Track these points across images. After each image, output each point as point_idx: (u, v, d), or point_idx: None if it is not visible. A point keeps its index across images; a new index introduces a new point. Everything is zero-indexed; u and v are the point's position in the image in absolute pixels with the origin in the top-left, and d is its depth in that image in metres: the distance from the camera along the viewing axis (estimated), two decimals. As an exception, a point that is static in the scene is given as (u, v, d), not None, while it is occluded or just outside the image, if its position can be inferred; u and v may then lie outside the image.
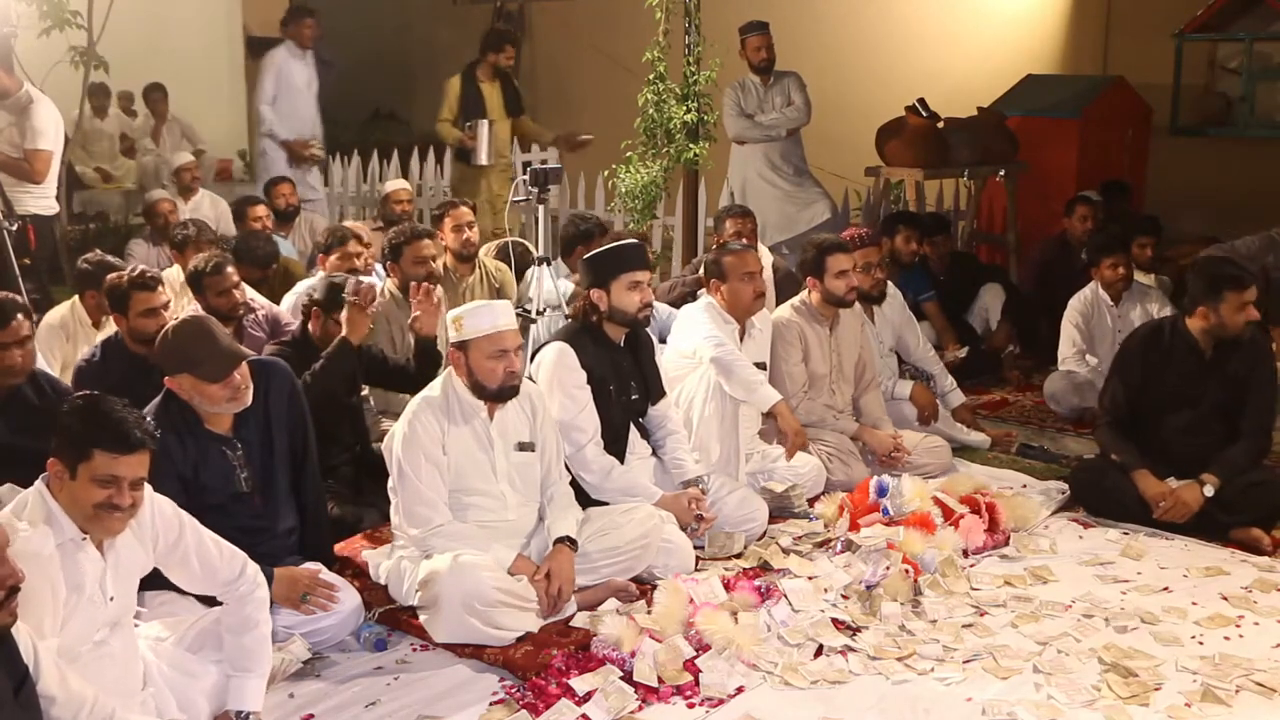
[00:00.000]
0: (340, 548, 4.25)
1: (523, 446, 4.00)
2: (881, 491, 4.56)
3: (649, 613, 3.77)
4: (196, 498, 3.51)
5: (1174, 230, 7.75)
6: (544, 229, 5.40)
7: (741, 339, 4.97)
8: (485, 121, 7.57)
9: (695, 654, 3.60)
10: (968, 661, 3.67)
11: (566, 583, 3.84)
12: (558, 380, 4.28)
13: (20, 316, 4.05)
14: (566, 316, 4.91)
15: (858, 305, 5.46)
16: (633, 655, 3.56)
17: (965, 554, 4.40)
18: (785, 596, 3.89)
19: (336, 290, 4.64)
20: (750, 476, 4.83)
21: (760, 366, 5.04)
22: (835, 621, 3.84)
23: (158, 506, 3.05)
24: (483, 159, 7.77)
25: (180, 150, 9.58)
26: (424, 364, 4.72)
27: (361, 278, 4.94)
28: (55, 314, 5.37)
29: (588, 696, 3.40)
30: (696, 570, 4.17)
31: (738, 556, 4.37)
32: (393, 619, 3.87)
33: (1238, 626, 3.92)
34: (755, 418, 5.06)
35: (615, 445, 4.41)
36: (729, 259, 4.97)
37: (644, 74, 7.64)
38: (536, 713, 3.34)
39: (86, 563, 2.89)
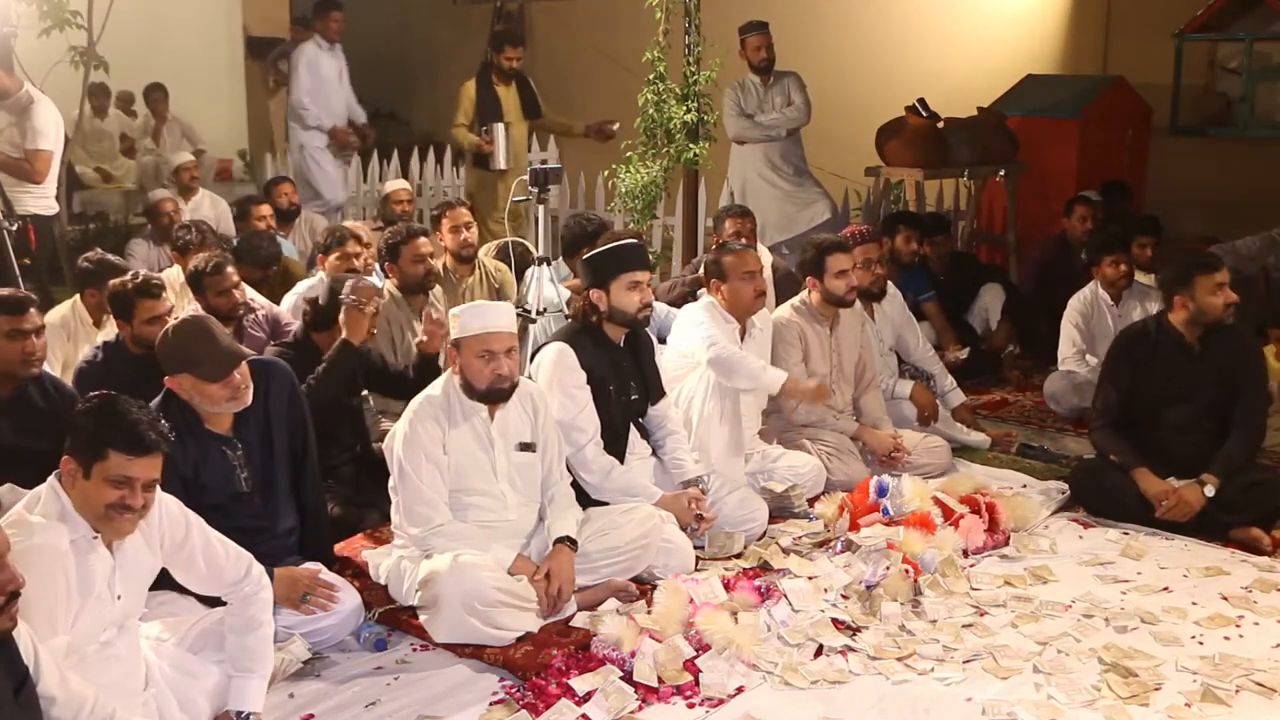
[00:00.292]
0: (340, 548, 4.25)
1: (524, 447, 4.00)
2: (881, 491, 4.56)
3: (649, 613, 3.77)
4: (196, 498, 3.51)
5: (1174, 230, 7.74)
6: (544, 229, 5.40)
7: (742, 339, 4.97)
8: (502, 125, 7.48)
9: (695, 654, 3.61)
10: (968, 661, 3.67)
11: (566, 583, 3.84)
12: (557, 380, 4.28)
13: (33, 308, 4.08)
14: (566, 317, 4.91)
15: (858, 305, 5.46)
16: (633, 655, 3.56)
17: (965, 554, 4.41)
18: (785, 596, 3.89)
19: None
20: (750, 476, 4.83)
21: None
22: (835, 621, 3.84)
23: (165, 506, 3.06)
24: (501, 163, 7.61)
25: (180, 150, 9.58)
26: (423, 375, 4.71)
27: (362, 277, 4.94)
28: (56, 313, 5.37)
29: (588, 696, 3.40)
30: (696, 570, 4.17)
31: (738, 556, 4.37)
32: (393, 619, 3.87)
33: (1238, 626, 3.92)
34: (755, 418, 5.06)
35: (615, 445, 4.41)
36: (729, 259, 4.96)
37: (644, 74, 7.64)
38: (536, 713, 3.35)
39: (97, 562, 2.90)
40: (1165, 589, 4.19)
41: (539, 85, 8.62)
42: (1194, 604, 4.07)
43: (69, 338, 5.32)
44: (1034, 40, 10.07)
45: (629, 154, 7.70)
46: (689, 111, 7.56)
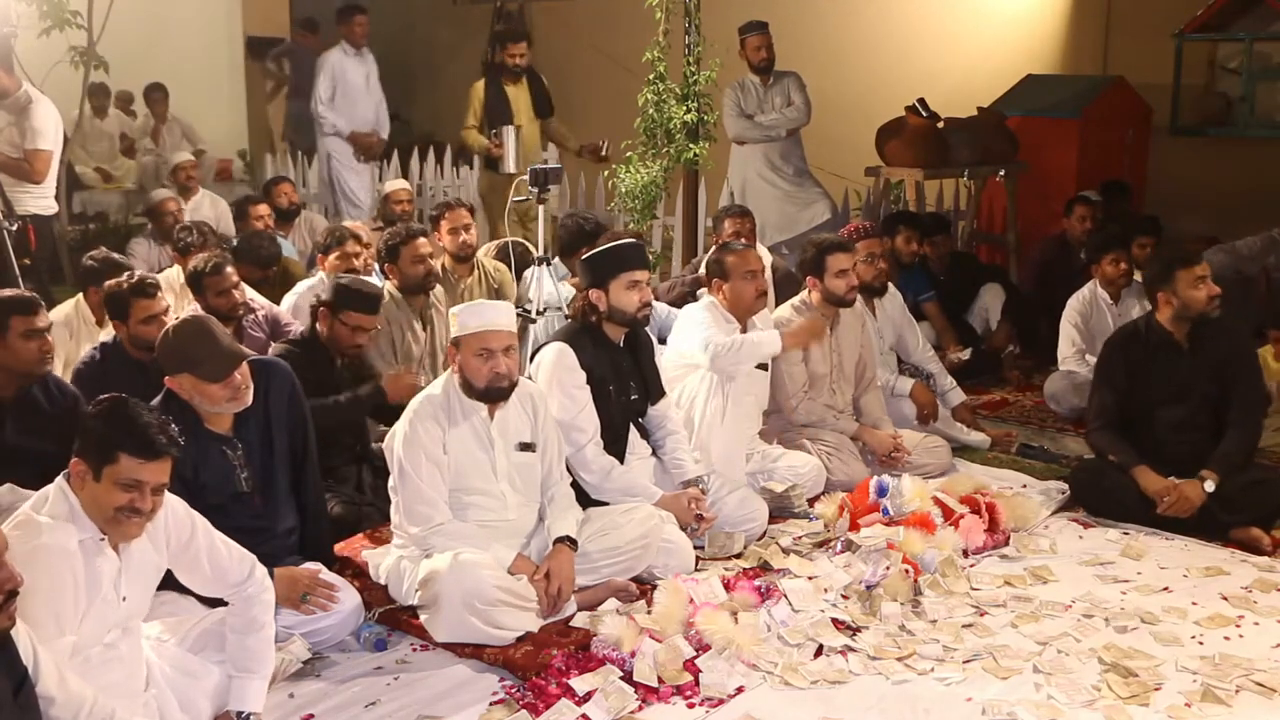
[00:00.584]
0: (340, 548, 4.25)
1: (524, 447, 4.00)
2: (881, 491, 4.56)
3: (649, 613, 3.77)
4: (196, 497, 3.50)
5: (1174, 230, 7.75)
6: (543, 229, 5.40)
7: (742, 339, 4.97)
8: (512, 128, 7.36)
9: (695, 654, 3.60)
10: (968, 661, 3.67)
11: (566, 582, 3.84)
12: (557, 380, 4.28)
13: (42, 308, 4.11)
14: (566, 317, 4.91)
15: (859, 304, 5.46)
16: (633, 655, 3.56)
17: (965, 554, 4.41)
18: (785, 596, 3.89)
19: (344, 291, 4.64)
20: (750, 476, 4.83)
21: (761, 367, 5.05)
22: (835, 621, 3.84)
23: (171, 507, 3.06)
24: (510, 166, 7.37)
25: (180, 150, 9.58)
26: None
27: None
28: (59, 312, 5.38)
29: (588, 696, 3.40)
30: (696, 570, 4.17)
31: (738, 556, 4.37)
32: (393, 619, 3.87)
33: (1238, 626, 3.92)
34: (756, 418, 5.06)
35: (615, 445, 4.41)
36: (731, 258, 4.97)
37: (644, 74, 7.64)
38: (536, 713, 3.35)
39: (104, 563, 2.91)
40: (1165, 589, 4.19)
41: (541, 85, 8.60)
42: (1194, 604, 4.07)
43: (71, 336, 5.33)
44: (1034, 40, 10.07)
45: (629, 154, 7.70)
46: (689, 111, 7.57)
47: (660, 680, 3.50)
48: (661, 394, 4.60)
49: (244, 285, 5.26)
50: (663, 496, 4.33)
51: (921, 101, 7.72)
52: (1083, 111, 8.52)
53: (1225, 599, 4.11)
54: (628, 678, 3.50)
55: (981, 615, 3.98)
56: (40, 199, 6.45)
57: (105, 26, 8.21)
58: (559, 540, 3.91)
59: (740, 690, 3.51)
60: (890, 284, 5.98)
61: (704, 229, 8.27)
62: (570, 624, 3.81)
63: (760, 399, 5.10)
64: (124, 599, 2.96)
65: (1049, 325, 6.55)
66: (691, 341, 4.79)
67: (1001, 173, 8.25)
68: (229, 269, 5.06)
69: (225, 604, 3.25)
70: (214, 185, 9.78)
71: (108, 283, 4.62)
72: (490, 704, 3.43)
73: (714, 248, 5.46)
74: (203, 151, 10.41)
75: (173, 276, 5.79)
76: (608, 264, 4.39)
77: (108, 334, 4.87)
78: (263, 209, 7.06)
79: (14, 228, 5.91)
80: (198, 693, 3.13)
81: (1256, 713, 3.41)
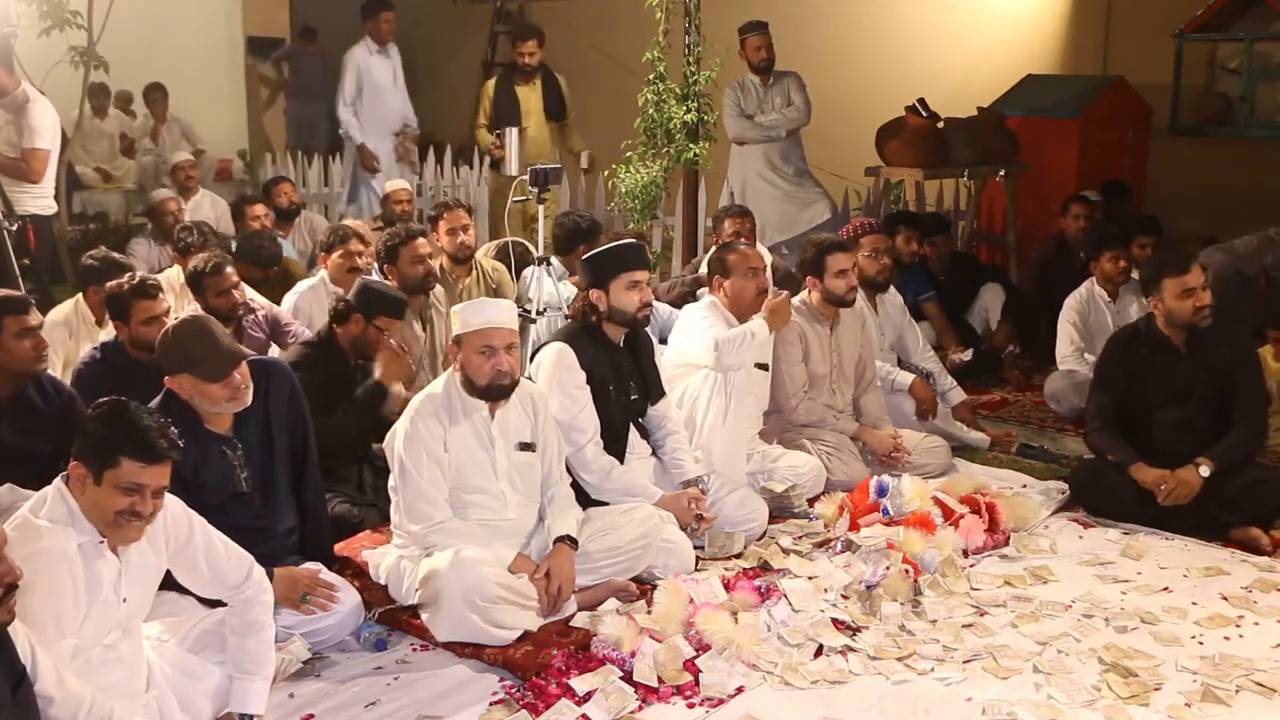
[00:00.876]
0: (340, 548, 4.25)
1: (524, 446, 4.00)
2: (881, 491, 4.56)
3: (649, 613, 3.77)
4: (196, 498, 3.50)
5: (1174, 230, 7.75)
6: (543, 229, 5.40)
7: (742, 339, 4.97)
8: (514, 129, 7.30)
9: (695, 654, 3.60)
10: (968, 661, 3.67)
11: (567, 581, 3.84)
12: (557, 380, 4.28)
13: (33, 306, 4.11)
14: (566, 317, 4.91)
15: (859, 304, 5.46)
16: (633, 655, 3.56)
17: (965, 554, 4.40)
18: (785, 596, 3.89)
19: (378, 295, 4.64)
20: (750, 476, 4.83)
21: (762, 367, 5.05)
22: (835, 621, 3.84)
23: (169, 507, 3.06)
24: (511, 169, 7.34)
25: (179, 150, 9.58)
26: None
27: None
28: (59, 312, 5.38)
29: (588, 696, 3.40)
30: (696, 570, 4.17)
31: (738, 556, 4.37)
32: (393, 619, 3.87)
33: (1238, 626, 3.92)
34: (756, 418, 5.06)
35: (615, 445, 4.41)
36: (734, 255, 4.98)
37: (644, 74, 7.64)
38: (536, 713, 3.34)
39: (104, 566, 2.91)
40: (1165, 589, 4.19)
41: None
42: (1194, 604, 4.07)
43: (71, 336, 5.33)
44: (1034, 40, 10.08)
45: (629, 154, 7.71)
46: (689, 111, 7.57)
47: (660, 680, 3.50)
48: (661, 394, 4.60)
49: (244, 285, 5.25)
50: (663, 496, 4.33)
51: (921, 101, 7.72)
52: (1083, 111, 8.52)
53: (1225, 599, 4.11)
54: (628, 678, 3.49)
55: (981, 615, 3.98)
56: (39, 199, 6.44)
57: (105, 26, 8.20)
58: (559, 539, 3.91)
59: (740, 690, 3.50)
60: (890, 285, 5.98)
61: (704, 229, 8.27)
62: (570, 624, 3.81)
63: (761, 399, 5.10)
64: (124, 600, 2.96)
65: (1049, 325, 6.54)
66: (694, 342, 4.79)
67: (1001, 173, 8.25)
68: (229, 269, 5.06)
69: (225, 604, 3.25)
70: (214, 185, 9.78)
71: (109, 284, 4.62)
72: (490, 704, 3.42)
73: (715, 247, 5.47)
74: (202, 151, 10.41)
75: (173, 276, 5.79)
76: (608, 264, 4.39)
77: (107, 334, 4.87)
78: (258, 209, 7.05)
79: (14, 228, 5.91)
80: (198, 693, 3.13)
81: (1256, 713, 3.41)
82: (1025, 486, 5.17)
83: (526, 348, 5.03)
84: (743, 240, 5.78)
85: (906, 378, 5.75)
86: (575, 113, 8.54)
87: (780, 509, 4.74)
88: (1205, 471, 4.54)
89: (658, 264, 7.90)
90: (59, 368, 5.00)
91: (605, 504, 4.25)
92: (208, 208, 8.09)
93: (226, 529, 3.27)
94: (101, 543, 2.90)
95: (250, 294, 5.38)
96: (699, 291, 5.78)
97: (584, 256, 4.60)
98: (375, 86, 8.53)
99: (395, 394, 4.55)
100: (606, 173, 8.04)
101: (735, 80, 7.91)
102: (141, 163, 10.81)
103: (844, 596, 3.98)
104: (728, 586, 3.97)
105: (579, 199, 9.23)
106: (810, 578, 4.05)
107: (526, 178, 5.53)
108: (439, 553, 3.76)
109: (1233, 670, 3.59)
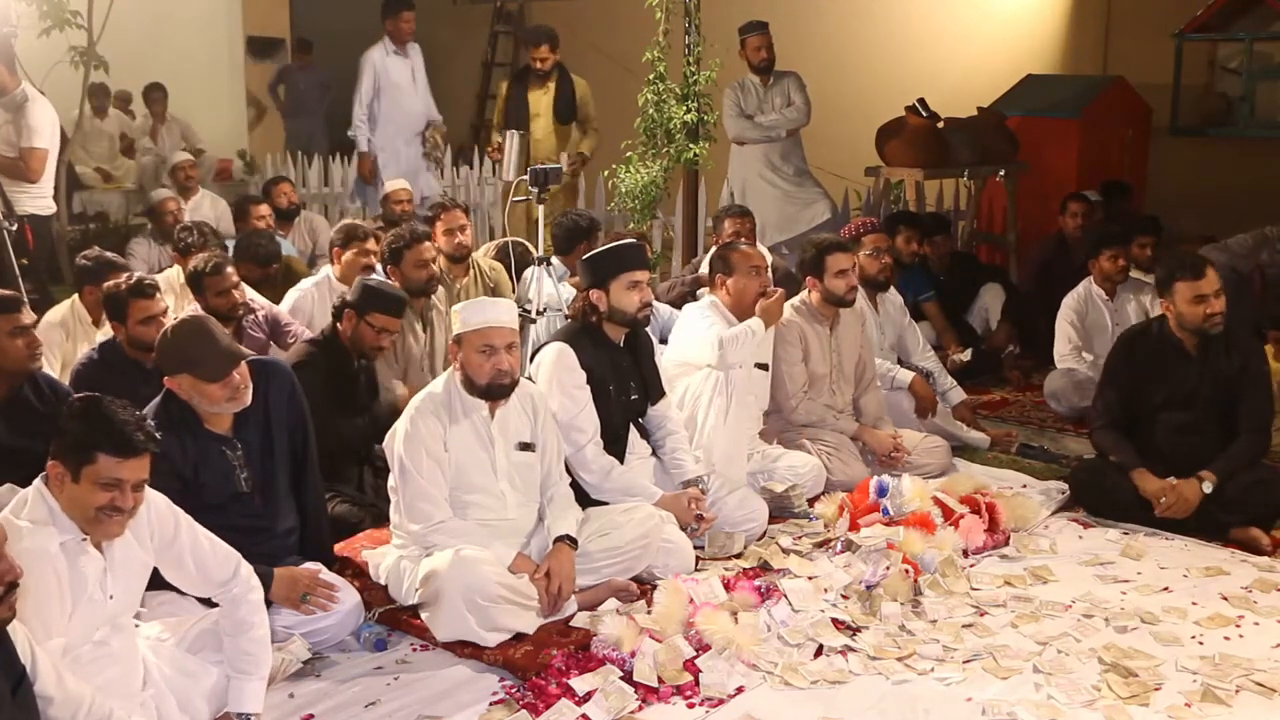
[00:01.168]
0: (340, 548, 4.25)
1: (524, 446, 4.00)
2: (881, 491, 4.56)
3: (649, 613, 3.76)
4: (196, 497, 3.51)
5: (1174, 230, 7.75)
6: (543, 229, 5.40)
7: (742, 339, 4.96)
8: (514, 134, 7.27)
9: (695, 654, 3.60)
10: (968, 661, 3.67)
11: (567, 581, 3.84)
12: (557, 380, 4.28)
13: (24, 307, 4.10)
14: (566, 317, 4.91)
15: (859, 304, 5.46)
16: (633, 655, 3.55)
17: (965, 554, 4.40)
18: (785, 596, 3.89)
19: (372, 292, 4.64)
20: (750, 476, 4.83)
21: (762, 367, 5.05)
22: (835, 621, 3.84)
23: (152, 502, 3.05)
24: (508, 174, 7.34)
25: (179, 150, 9.58)
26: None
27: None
28: (56, 312, 5.37)
29: (588, 696, 3.40)
30: (696, 570, 4.17)
31: (738, 556, 4.37)
32: (393, 619, 3.87)
33: (1238, 626, 3.92)
34: (757, 418, 5.06)
35: (615, 445, 4.41)
36: (737, 254, 4.98)
37: (644, 74, 7.64)
38: (536, 713, 3.34)
39: (88, 563, 2.90)
40: (1165, 589, 4.19)
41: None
42: (1194, 604, 4.07)
43: (68, 336, 5.32)
44: (1034, 40, 10.08)
45: (629, 154, 7.70)
46: (689, 111, 7.57)
47: (660, 680, 3.50)
48: (661, 394, 4.60)
49: (244, 285, 5.25)
50: (663, 496, 4.33)
51: (921, 101, 7.72)
52: (1083, 111, 8.52)
53: (1225, 599, 4.10)
54: (628, 678, 3.49)
55: (981, 615, 3.98)
56: (38, 199, 6.44)
57: (105, 26, 8.20)
58: (559, 539, 3.91)
59: (740, 690, 3.50)
60: (891, 284, 5.98)
61: (704, 229, 8.27)
62: (570, 624, 3.81)
63: (761, 399, 5.10)
64: (111, 597, 2.95)
65: (1049, 325, 6.54)
66: (696, 342, 4.78)
67: (1001, 173, 8.25)
68: (229, 269, 5.06)
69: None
70: (214, 185, 9.78)
71: (106, 284, 4.61)
72: (490, 704, 3.42)
73: (716, 246, 5.47)
74: (202, 151, 10.41)
75: (173, 276, 5.79)
76: (608, 264, 4.39)
77: (104, 334, 4.87)
78: (262, 209, 7.06)
79: (13, 228, 5.91)
80: (196, 693, 3.12)
81: (1256, 713, 3.41)
82: (1025, 486, 5.17)
83: (526, 348, 5.03)
84: (744, 240, 5.78)
85: (907, 375, 5.75)
86: (597, 121, 8.50)
87: (780, 509, 4.74)
88: (1208, 487, 4.53)
89: (658, 264, 7.90)
90: (57, 369, 4.99)
91: (605, 504, 4.25)
92: (207, 208, 8.09)
93: (226, 529, 3.27)
94: (84, 540, 2.89)
95: (250, 294, 5.38)
96: (699, 291, 5.78)
97: (584, 257, 4.60)
98: (394, 87, 8.44)
99: (400, 395, 4.55)
100: (606, 173, 8.04)
101: (735, 80, 7.91)
102: (141, 163, 10.81)
103: (844, 596, 3.98)
104: (728, 586, 3.97)
105: (579, 199, 9.23)
106: (810, 578, 4.05)
107: (526, 178, 5.52)
108: (439, 552, 3.75)
109: (1233, 670, 3.59)
